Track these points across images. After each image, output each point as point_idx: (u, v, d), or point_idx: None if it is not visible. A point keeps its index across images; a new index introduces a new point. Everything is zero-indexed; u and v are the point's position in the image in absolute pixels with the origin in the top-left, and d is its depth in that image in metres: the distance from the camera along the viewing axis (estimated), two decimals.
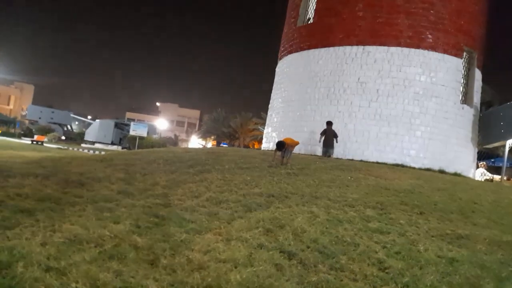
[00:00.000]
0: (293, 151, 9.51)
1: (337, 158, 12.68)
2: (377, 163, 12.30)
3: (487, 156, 22.01)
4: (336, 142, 12.76)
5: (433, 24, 13.82)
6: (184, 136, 65.97)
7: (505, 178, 16.55)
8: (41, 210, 4.47)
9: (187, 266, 3.05)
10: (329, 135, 12.76)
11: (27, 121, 55.05)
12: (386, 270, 3.34)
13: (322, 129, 13.02)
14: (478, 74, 15.06)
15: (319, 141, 12.83)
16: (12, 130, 48.84)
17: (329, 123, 12.93)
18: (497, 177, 15.72)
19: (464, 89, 14.70)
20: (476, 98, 15.02)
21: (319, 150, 13.43)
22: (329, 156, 12.63)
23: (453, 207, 5.93)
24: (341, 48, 14.41)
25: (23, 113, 64.50)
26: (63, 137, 47.38)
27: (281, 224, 4.39)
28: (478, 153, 16.00)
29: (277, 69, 17.98)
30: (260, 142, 32.49)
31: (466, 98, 14.69)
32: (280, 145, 8.91)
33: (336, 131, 13.11)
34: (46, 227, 3.79)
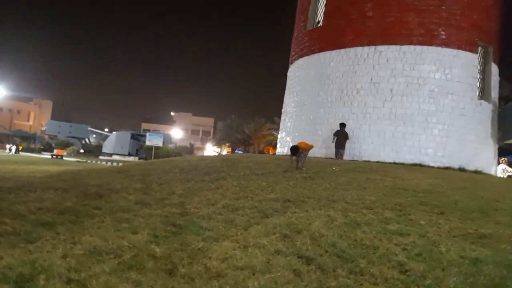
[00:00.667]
0: (307, 155, 9.45)
1: (353, 160, 12.56)
2: (394, 163, 12.12)
3: (508, 152, 21.42)
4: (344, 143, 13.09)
5: (445, 20, 13.61)
6: (199, 144, 66.50)
7: None
8: (61, 223, 4.56)
9: (205, 274, 3.05)
10: (340, 136, 13.05)
11: (46, 136, 56.44)
12: (407, 273, 3.26)
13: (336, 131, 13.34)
14: (494, 69, 14.73)
15: (332, 142, 13.14)
16: (33, 146, 50.26)
17: (342, 125, 13.22)
18: None
19: (480, 85, 14.39)
20: (494, 93, 14.67)
21: (332, 153, 13.45)
22: (341, 157, 12.79)
23: (474, 206, 5.77)
24: (352, 49, 14.33)
25: (43, 129, 66.10)
26: (82, 150, 48.37)
27: (298, 229, 4.36)
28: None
29: (288, 74, 17.99)
30: (274, 147, 32.42)
31: (483, 94, 14.37)
32: (295, 150, 8.87)
33: (350, 132, 13.29)
34: (66, 239, 3.86)
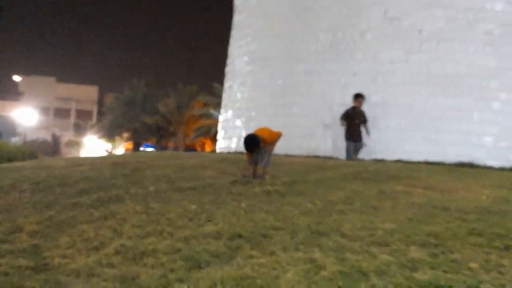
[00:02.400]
0: (273, 151, 9.55)
1: (357, 159, 12.86)
2: (427, 163, 12.54)
3: None
4: (367, 133, 13.22)
5: None
6: (71, 136, 65.09)
7: None
8: None
9: None
10: (355, 120, 13.31)
11: None
12: None
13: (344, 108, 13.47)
14: None
15: (342, 125, 13.38)
16: None
17: (357, 97, 13.52)
18: None
19: None
20: None
21: (324, 147, 13.68)
22: (355, 157, 12.98)
23: None
24: None
25: None
26: None
27: (256, 286, 4.40)
28: None
29: (237, 2, 18.03)
30: (214, 139, 32.46)
31: None
32: (251, 143, 8.90)
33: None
34: None
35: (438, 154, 13.26)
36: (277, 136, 9.46)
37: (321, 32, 14.89)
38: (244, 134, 12.17)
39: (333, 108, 14.09)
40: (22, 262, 5.17)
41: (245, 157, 9.28)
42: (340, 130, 13.61)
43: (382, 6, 14.23)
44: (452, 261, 5.05)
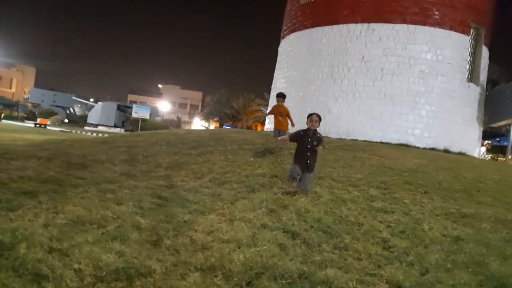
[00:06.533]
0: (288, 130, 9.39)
1: (341, 139, 12.61)
2: (381, 143, 12.23)
3: (492, 135, 21.86)
4: (323, 146, 6.20)
5: None
6: (186, 118, 65.95)
7: (510, 157, 16.45)
8: (43, 192, 4.47)
9: (190, 247, 3.04)
10: (307, 143, 5.54)
11: (29, 104, 55.00)
12: (391, 249, 3.32)
13: (335, 111, 13.08)
14: (485, 52, 14.77)
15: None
16: (15, 114, 48.99)
17: (314, 115, 6.03)
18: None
19: (470, 67, 14.44)
20: (483, 76, 14.77)
21: (323, 131, 13.44)
22: (301, 188, 5.77)
23: (457, 186, 5.88)
24: (345, 25, 14.13)
25: (25, 96, 64.25)
26: (66, 120, 47.49)
27: (285, 204, 4.37)
28: (483, 132, 15.85)
29: (280, 49, 17.71)
30: (263, 123, 32.36)
31: (473, 76, 14.44)
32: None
33: (340, 111, 13.18)
34: (48, 208, 3.79)
35: (387, 138, 12.92)
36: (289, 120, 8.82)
37: (325, 67, 14.52)
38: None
39: (329, 110, 13.79)
40: (161, 182, 5.26)
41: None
42: (331, 122, 13.33)
43: (361, 54, 13.76)
44: (394, 198, 4.90)
